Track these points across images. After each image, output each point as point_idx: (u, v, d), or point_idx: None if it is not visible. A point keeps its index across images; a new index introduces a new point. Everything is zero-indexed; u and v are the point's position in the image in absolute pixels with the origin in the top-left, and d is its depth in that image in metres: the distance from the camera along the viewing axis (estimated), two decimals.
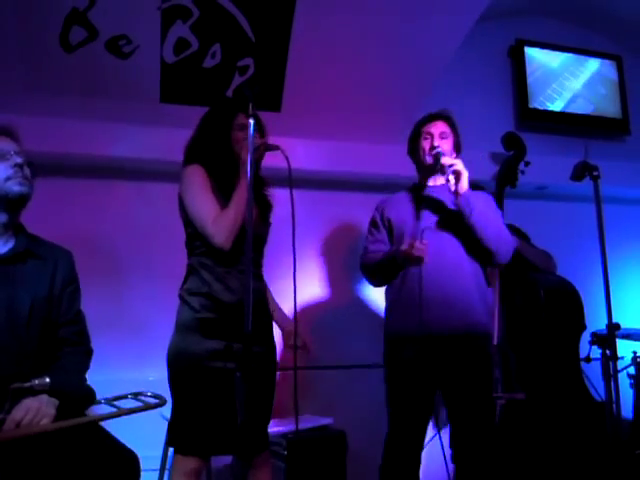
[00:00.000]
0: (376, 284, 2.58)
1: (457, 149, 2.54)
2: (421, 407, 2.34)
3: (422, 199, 2.46)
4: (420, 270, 2.26)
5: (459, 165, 2.31)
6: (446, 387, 2.33)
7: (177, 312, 2.14)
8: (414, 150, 2.55)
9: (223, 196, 2.08)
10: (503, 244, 2.34)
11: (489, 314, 2.38)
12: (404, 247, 2.25)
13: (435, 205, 2.43)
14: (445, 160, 2.33)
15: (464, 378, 2.28)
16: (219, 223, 2.00)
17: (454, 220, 2.34)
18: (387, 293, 2.50)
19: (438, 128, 2.48)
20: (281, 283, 3.41)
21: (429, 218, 2.41)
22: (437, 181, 2.52)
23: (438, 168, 2.39)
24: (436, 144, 2.42)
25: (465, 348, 2.28)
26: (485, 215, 2.32)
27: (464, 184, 2.31)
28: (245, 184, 1.87)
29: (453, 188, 2.32)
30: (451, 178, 2.31)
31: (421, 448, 2.35)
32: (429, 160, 2.44)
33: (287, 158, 1.90)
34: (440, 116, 2.52)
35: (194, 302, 2.07)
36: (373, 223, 2.58)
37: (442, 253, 2.32)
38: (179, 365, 2.05)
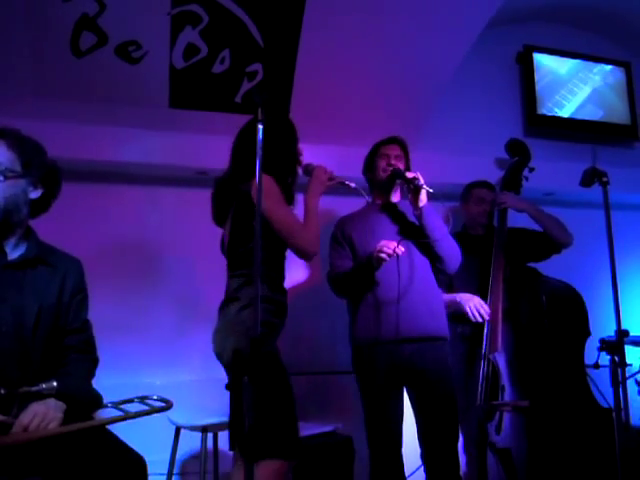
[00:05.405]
0: (344, 294, 2.69)
1: (407, 170, 2.68)
2: (394, 403, 2.52)
3: (380, 219, 2.66)
4: (398, 281, 2.49)
5: (421, 179, 2.49)
6: (412, 384, 2.51)
7: (235, 315, 2.06)
8: (370, 168, 2.74)
9: None
10: (454, 257, 2.59)
11: (445, 318, 2.59)
12: (379, 246, 2.40)
13: (395, 222, 2.64)
14: (408, 174, 2.53)
15: (428, 376, 2.48)
16: (312, 234, 2.14)
17: (415, 234, 2.54)
18: (354, 303, 2.61)
19: (394, 150, 2.69)
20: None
21: (392, 236, 2.54)
22: (391, 199, 2.72)
23: (397, 183, 2.66)
24: (392, 162, 2.64)
25: (430, 348, 2.50)
26: (442, 230, 2.54)
27: (423, 197, 2.50)
28: (316, 200, 2.21)
29: (414, 203, 2.51)
30: (412, 195, 2.51)
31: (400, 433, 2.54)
32: (383, 176, 2.65)
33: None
34: (396, 140, 2.72)
35: (269, 307, 2.08)
36: (335, 239, 2.72)
37: (413, 265, 2.54)
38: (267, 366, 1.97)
